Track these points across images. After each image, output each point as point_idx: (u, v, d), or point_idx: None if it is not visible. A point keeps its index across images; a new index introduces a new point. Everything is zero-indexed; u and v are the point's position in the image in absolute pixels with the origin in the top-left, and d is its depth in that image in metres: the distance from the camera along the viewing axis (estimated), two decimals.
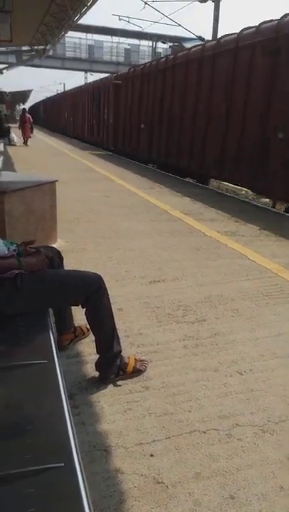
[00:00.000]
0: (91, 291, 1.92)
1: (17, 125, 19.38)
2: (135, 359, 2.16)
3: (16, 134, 17.09)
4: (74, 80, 37.23)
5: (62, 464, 1.05)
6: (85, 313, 2.00)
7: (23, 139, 16.76)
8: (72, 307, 2.31)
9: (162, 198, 6.82)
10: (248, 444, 1.69)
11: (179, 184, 8.68)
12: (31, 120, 17.55)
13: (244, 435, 1.74)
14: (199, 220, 5.40)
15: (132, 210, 5.85)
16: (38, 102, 43.94)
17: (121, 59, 36.13)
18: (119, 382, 2.07)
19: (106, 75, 18.85)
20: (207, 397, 1.97)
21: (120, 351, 2.09)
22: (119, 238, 4.49)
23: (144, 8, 16.32)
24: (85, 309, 1.99)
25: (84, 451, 1.66)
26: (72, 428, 1.20)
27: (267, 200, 8.80)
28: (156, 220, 5.39)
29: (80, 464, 1.07)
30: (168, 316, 2.76)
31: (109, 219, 5.31)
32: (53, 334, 1.71)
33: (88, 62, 35.67)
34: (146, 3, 15.78)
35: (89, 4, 11.48)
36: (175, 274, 3.50)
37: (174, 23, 16.82)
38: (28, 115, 17.29)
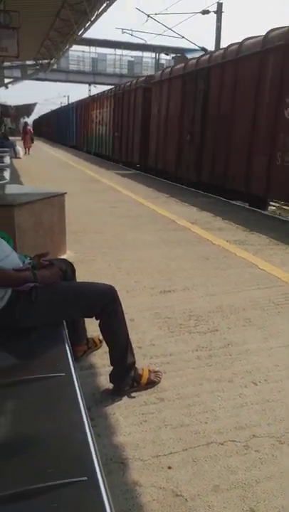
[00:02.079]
0: (105, 302, 1.93)
1: (20, 137, 21.28)
2: (149, 370, 2.15)
3: (20, 146, 17.33)
4: (78, 92, 37.67)
5: (86, 478, 1.05)
6: (99, 325, 2.01)
7: (25, 148, 18.32)
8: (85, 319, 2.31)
9: (169, 208, 6.85)
10: (266, 456, 1.68)
11: (184, 193, 8.72)
12: (32, 132, 20.66)
13: (262, 446, 1.73)
14: (207, 230, 5.41)
15: (138, 221, 5.87)
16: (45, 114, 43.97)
17: (124, 71, 36.56)
18: (133, 394, 2.07)
19: (110, 87, 19.02)
20: (223, 408, 1.96)
21: (134, 363, 2.09)
22: (127, 249, 4.51)
23: (146, 21, 16.53)
24: (98, 321, 1.99)
25: (101, 464, 1.66)
26: (93, 441, 1.20)
27: (274, 208, 8.82)
28: (164, 229, 5.41)
29: (102, 478, 1.06)
30: (180, 326, 2.76)
31: (116, 229, 5.34)
32: (68, 346, 1.71)
33: (92, 74, 36.14)
34: (149, 16, 16.03)
35: (93, 19, 11.68)
36: (185, 284, 3.50)
37: (177, 35, 17.05)
38: (29, 127, 20.18)
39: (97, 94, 19.74)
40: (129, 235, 5.07)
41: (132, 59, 37.20)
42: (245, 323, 2.81)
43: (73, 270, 2.26)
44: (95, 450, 1.17)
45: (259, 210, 7.08)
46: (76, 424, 1.26)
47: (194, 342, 2.55)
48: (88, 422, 1.28)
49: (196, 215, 6.36)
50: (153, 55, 33.21)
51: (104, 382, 2.14)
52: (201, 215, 6.44)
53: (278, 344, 2.54)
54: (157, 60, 30.36)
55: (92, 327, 2.22)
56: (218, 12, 16.25)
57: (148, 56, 36.53)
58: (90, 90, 37.08)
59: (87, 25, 12.56)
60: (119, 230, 5.33)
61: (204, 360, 2.36)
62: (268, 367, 2.30)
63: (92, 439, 1.21)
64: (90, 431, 1.24)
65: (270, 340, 2.59)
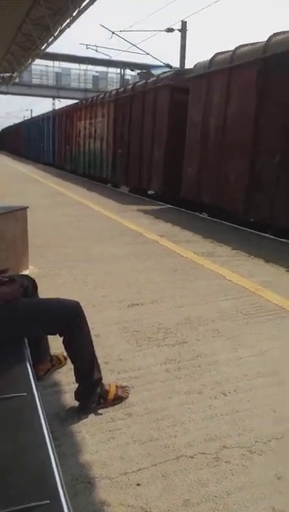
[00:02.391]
0: (69, 319, 1.88)
1: None
2: (116, 386, 2.10)
3: None
4: (41, 106, 37.47)
5: (48, 502, 1.00)
6: (63, 342, 1.95)
7: None
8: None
9: (136, 221, 6.86)
10: (237, 467, 1.66)
11: (152, 206, 8.76)
12: None
13: (232, 457, 1.71)
14: (175, 242, 5.44)
15: (105, 234, 5.84)
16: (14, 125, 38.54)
17: (89, 86, 36.75)
18: (100, 411, 2.00)
19: (75, 101, 19.03)
20: (192, 421, 1.93)
21: (100, 379, 2.04)
22: (94, 262, 4.45)
23: (111, 37, 16.77)
24: (62, 338, 1.93)
25: (67, 484, 1.57)
26: (56, 462, 1.15)
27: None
28: (132, 242, 5.40)
29: (66, 500, 1.02)
30: (148, 339, 2.72)
31: (82, 243, 5.27)
32: (30, 365, 1.65)
33: (55, 89, 36.06)
34: (113, 32, 16.28)
35: (56, 34, 11.72)
36: (153, 297, 3.48)
37: (142, 52, 17.43)
38: None
39: (85, 100, 16.27)
40: (97, 249, 5.02)
41: (97, 74, 37.51)
42: (214, 334, 2.81)
43: (35, 286, 2.20)
44: (58, 472, 1.12)
45: (224, 222, 7.18)
46: (38, 445, 1.20)
47: (163, 355, 2.52)
48: (51, 443, 1.22)
49: (164, 228, 6.40)
50: (118, 70, 33.69)
51: (70, 400, 2.07)
52: (169, 228, 6.48)
53: (247, 354, 2.55)
54: (122, 76, 30.79)
55: (56, 344, 2.14)
56: (183, 30, 16.74)
57: (113, 72, 37.02)
58: (53, 104, 37.01)
59: (50, 40, 12.58)
60: (86, 243, 5.27)
61: (173, 372, 2.33)
62: (237, 377, 2.29)
63: (55, 460, 1.15)
64: (52, 452, 1.18)
65: (239, 350, 2.60)
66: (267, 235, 6.19)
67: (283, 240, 5.85)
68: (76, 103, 17.52)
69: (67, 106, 18.77)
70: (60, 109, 20.19)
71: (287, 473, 1.62)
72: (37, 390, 1.46)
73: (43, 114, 22.49)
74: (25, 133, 28.74)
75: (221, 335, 2.81)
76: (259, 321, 3.05)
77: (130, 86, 11.83)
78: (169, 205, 9.01)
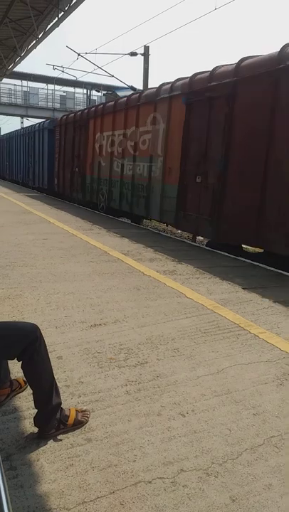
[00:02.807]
0: (27, 343, 1.85)
1: None
2: (76, 410, 2.08)
3: None
4: (9, 125, 37.24)
5: None
6: (21, 366, 1.92)
7: None
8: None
9: (101, 239, 6.87)
10: (194, 490, 1.67)
11: (116, 225, 8.82)
12: None
13: (189, 481, 1.72)
14: (138, 260, 5.49)
15: (70, 252, 5.81)
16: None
17: (57, 105, 36.93)
18: (60, 437, 1.98)
19: (43, 120, 18.96)
20: (151, 444, 1.94)
21: (60, 403, 2.01)
22: (58, 282, 4.42)
23: (77, 59, 16.98)
24: (21, 362, 1.90)
25: None
26: (6, 497, 1.12)
27: (201, 238, 9.11)
28: (96, 261, 5.40)
29: None
30: (110, 361, 2.72)
31: (47, 262, 5.22)
32: None
33: (24, 107, 36.03)
34: (79, 54, 16.51)
35: (23, 54, 11.79)
36: (116, 317, 3.48)
37: (107, 74, 17.73)
38: None
39: (110, 100, 11.82)
40: (62, 267, 4.98)
41: (64, 94, 37.79)
42: (174, 354, 2.84)
43: None
44: (8, 507, 1.09)
45: (186, 241, 7.33)
46: None
47: (124, 376, 2.52)
48: (2, 476, 1.19)
49: (128, 247, 6.44)
50: (85, 91, 34.05)
51: (29, 426, 2.03)
52: (132, 246, 6.53)
53: (205, 373, 2.59)
54: (89, 96, 31.13)
55: (18, 367, 2.11)
56: (145, 55, 17.21)
57: (80, 92, 37.39)
58: (22, 123, 36.82)
59: (17, 60, 12.63)
60: (50, 262, 5.22)
61: (133, 394, 2.34)
62: (195, 397, 2.32)
63: (6, 495, 1.12)
64: (3, 486, 1.15)
65: (197, 369, 2.64)
66: (226, 253, 6.37)
67: (240, 258, 6.05)
68: (97, 105, 11.97)
69: (86, 108, 12.84)
70: (58, 118, 14.35)
71: (242, 494, 1.65)
72: None
73: (32, 126, 17.70)
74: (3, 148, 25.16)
75: (181, 354, 2.84)
76: (216, 338, 3.11)
77: (223, 68, 6.67)
78: (135, 225, 9.09)
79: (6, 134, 25.38)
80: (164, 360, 2.74)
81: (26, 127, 19.56)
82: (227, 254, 6.33)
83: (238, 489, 1.68)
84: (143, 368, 2.63)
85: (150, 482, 1.71)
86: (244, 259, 6.01)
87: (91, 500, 1.62)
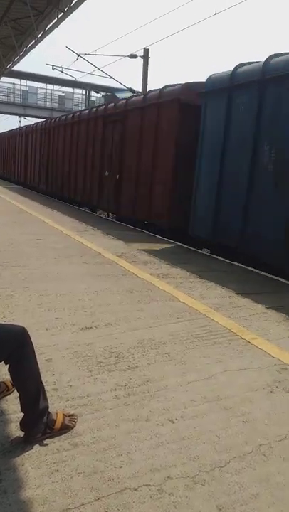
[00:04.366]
0: (14, 346, 1.83)
1: None
2: (63, 414, 2.05)
3: None
4: (7, 123, 37.18)
5: None
6: (8, 369, 1.89)
7: None
8: None
9: (96, 241, 6.84)
10: (180, 499, 1.64)
11: (112, 227, 8.79)
12: None
13: (176, 489, 1.69)
14: (132, 263, 5.47)
15: (64, 253, 5.78)
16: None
17: (55, 105, 36.89)
18: (46, 441, 1.94)
19: (41, 120, 18.93)
20: (139, 450, 1.91)
21: (47, 407, 1.98)
22: (50, 283, 4.38)
23: (77, 59, 16.99)
24: (8, 365, 1.87)
25: None
26: None
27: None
28: (90, 262, 5.37)
29: None
30: (99, 364, 2.69)
31: (40, 262, 5.19)
32: None
33: (22, 106, 35.94)
34: (78, 55, 16.50)
35: (21, 54, 11.77)
36: (108, 319, 3.45)
37: (106, 75, 17.72)
38: None
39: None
40: (55, 268, 4.95)
41: (63, 94, 37.75)
42: (165, 358, 2.82)
43: None
44: None
45: (181, 244, 7.33)
46: None
47: (113, 381, 2.49)
48: None
49: (122, 249, 6.42)
50: (83, 91, 34.04)
51: (15, 430, 2.00)
52: (127, 248, 6.51)
53: (195, 378, 2.57)
54: (88, 97, 31.13)
55: (5, 369, 2.07)
56: (145, 57, 17.24)
57: (78, 92, 37.38)
58: (20, 122, 36.73)
59: (16, 59, 12.61)
60: (43, 262, 5.19)
61: (122, 399, 2.31)
62: (185, 403, 2.30)
63: None
64: None
65: (187, 374, 2.61)
66: (220, 257, 6.37)
67: (235, 263, 6.05)
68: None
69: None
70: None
71: (229, 504, 1.63)
72: None
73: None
74: None
75: (172, 358, 2.82)
76: (208, 343, 3.09)
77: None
78: (130, 227, 9.08)
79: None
80: (155, 365, 2.72)
81: None
82: (222, 258, 6.32)
83: (225, 498, 1.66)
84: (133, 373, 2.60)
85: (136, 489, 1.68)
86: (239, 264, 6.00)
87: (75, 507, 1.59)
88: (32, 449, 1.90)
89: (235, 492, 1.69)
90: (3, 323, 2.01)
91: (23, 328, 1.92)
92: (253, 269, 5.74)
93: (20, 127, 18.31)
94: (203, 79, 6.83)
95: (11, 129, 23.29)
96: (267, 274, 5.48)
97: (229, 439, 2.02)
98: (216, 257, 6.44)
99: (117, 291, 4.24)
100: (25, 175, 17.91)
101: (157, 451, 1.91)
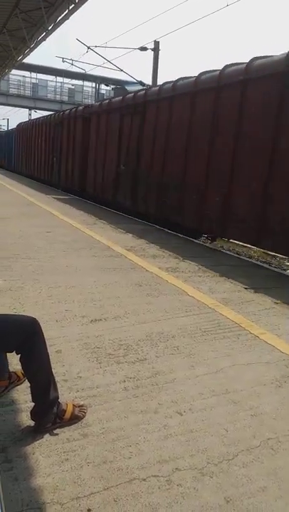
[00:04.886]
0: (25, 336, 1.85)
1: None
2: (73, 405, 2.08)
3: None
4: (18, 116, 37.28)
5: None
6: (20, 359, 1.92)
7: None
8: None
9: (105, 234, 6.86)
10: (188, 490, 1.66)
11: (121, 220, 8.80)
12: None
13: (184, 480, 1.71)
14: (141, 256, 5.48)
15: (73, 246, 5.80)
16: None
17: (65, 98, 36.83)
18: (56, 431, 1.98)
19: (50, 112, 18.91)
20: (147, 441, 1.93)
21: (57, 398, 2.01)
22: (59, 275, 4.41)
23: (87, 52, 16.93)
24: (19, 355, 1.90)
25: (16, 511, 1.54)
26: (2, 490, 1.12)
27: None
28: (99, 256, 5.39)
29: None
30: (109, 356, 2.71)
31: (49, 255, 5.22)
32: None
33: (32, 99, 35.96)
34: (89, 47, 16.42)
35: (32, 46, 11.74)
36: (117, 312, 3.48)
37: (116, 68, 17.64)
38: None
39: None
40: (64, 261, 4.98)
41: (73, 87, 37.66)
42: (173, 351, 2.83)
43: None
44: (1, 501, 1.09)
45: (190, 239, 7.30)
46: None
47: (122, 373, 2.52)
48: None
49: (131, 242, 6.42)
50: (93, 84, 33.93)
51: (26, 419, 2.03)
52: (136, 242, 6.51)
53: (203, 372, 2.58)
54: (97, 90, 31.04)
55: (16, 360, 2.10)
56: (155, 50, 17.10)
57: (88, 85, 37.26)
58: (30, 115, 36.78)
59: (26, 51, 12.59)
60: (53, 255, 5.22)
61: (131, 391, 2.33)
62: (193, 396, 2.31)
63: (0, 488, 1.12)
64: None
65: (196, 368, 2.63)
66: (230, 252, 6.34)
67: (244, 258, 6.02)
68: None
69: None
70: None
71: (236, 496, 1.65)
72: None
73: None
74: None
75: (180, 352, 2.83)
76: (217, 337, 3.10)
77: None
78: (140, 220, 9.06)
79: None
80: (163, 358, 2.73)
81: None
82: (231, 253, 6.29)
83: (233, 490, 1.67)
84: (142, 365, 2.62)
85: (145, 480, 1.70)
86: (248, 259, 5.98)
87: (85, 496, 1.62)
88: (42, 438, 1.93)
89: (243, 485, 1.71)
90: (14, 314, 2.04)
91: (34, 318, 1.95)
92: (262, 264, 5.71)
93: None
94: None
95: (20, 121, 23.21)
96: (276, 270, 5.46)
97: (237, 432, 2.04)
98: (224, 251, 6.41)
99: (126, 284, 4.25)
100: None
101: (166, 442, 1.93)
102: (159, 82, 10.10)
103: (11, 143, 22.60)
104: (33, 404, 1.99)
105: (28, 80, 36.10)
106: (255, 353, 2.91)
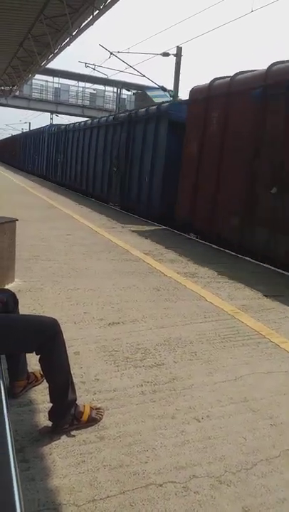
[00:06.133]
0: (45, 337, 1.86)
1: None
2: (91, 407, 2.08)
3: None
4: (39, 120, 37.86)
5: None
6: (39, 360, 1.93)
7: None
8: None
9: (123, 238, 6.88)
10: (205, 498, 1.64)
11: (140, 224, 8.81)
12: None
13: (201, 487, 1.69)
14: (159, 261, 5.47)
15: (92, 249, 5.84)
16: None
17: (86, 103, 37.25)
18: (73, 432, 1.98)
19: (72, 117, 19.12)
20: (164, 447, 1.92)
21: (75, 399, 2.01)
22: (78, 278, 4.44)
23: (109, 57, 17.08)
24: (39, 356, 1.91)
25: (32, 511, 1.55)
26: (18, 488, 1.12)
27: None
28: (117, 259, 5.40)
29: None
30: (126, 360, 2.71)
31: (69, 257, 5.26)
32: (3, 382, 1.62)
33: (54, 104, 36.49)
34: (111, 53, 16.59)
35: (56, 51, 11.91)
36: (134, 316, 3.47)
37: (138, 73, 17.76)
38: None
39: None
40: (83, 264, 5.01)
41: (95, 92, 38.07)
42: (191, 357, 2.81)
43: (16, 301, 2.18)
44: (19, 499, 1.09)
45: (208, 244, 7.24)
46: (1, 470, 1.17)
47: (140, 377, 2.51)
48: (15, 467, 1.19)
49: (149, 246, 6.42)
50: (115, 89, 34.20)
51: (43, 419, 2.04)
52: (154, 246, 6.51)
53: (222, 379, 2.55)
54: (119, 95, 31.28)
55: (34, 360, 2.12)
56: (178, 55, 17.14)
57: (110, 90, 37.60)
58: (51, 119, 37.32)
59: (50, 56, 12.79)
60: (72, 257, 5.26)
61: (148, 395, 2.32)
62: (211, 402, 2.29)
63: (18, 486, 1.13)
64: (15, 477, 1.15)
65: (214, 374, 2.60)
66: (248, 258, 6.26)
67: (263, 264, 5.93)
68: None
69: None
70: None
71: (255, 506, 1.61)
72: (7, 409, 1.43)
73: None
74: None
75: (198, 358, 2.81)
76: (236, 345, 3.06)
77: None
78: (157, 224, 9.07)
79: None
80: (181, 363, 2.71)
81: None
82: (250, 259, 6.22)
83: (251, 500, 1.64)
84: (159, 370, 2.61)
85: (161, 485, 1.69)
86: (268, 266, 5.89)
87: (101, 499, 1.61)
88: (59, 439, 1.94)
89: (262, 495, 1.68)
90: (35, 314, 2.06)
91: (55, 319, 1.96)
92: (284, 272, 5.62)
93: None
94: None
95: (40, 126, 21.42)
96: None
97: (256, 441, 2.00)
98: (244, 257, 6.33)
99: (144, 288, 4.25)
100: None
101: (183, 449, 1.91)
102: (181, 87, 10.12)
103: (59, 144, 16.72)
104: (50, 404, 2.00)
105: (50, 84, 36.70)
106: (275, 361, 2.86)
